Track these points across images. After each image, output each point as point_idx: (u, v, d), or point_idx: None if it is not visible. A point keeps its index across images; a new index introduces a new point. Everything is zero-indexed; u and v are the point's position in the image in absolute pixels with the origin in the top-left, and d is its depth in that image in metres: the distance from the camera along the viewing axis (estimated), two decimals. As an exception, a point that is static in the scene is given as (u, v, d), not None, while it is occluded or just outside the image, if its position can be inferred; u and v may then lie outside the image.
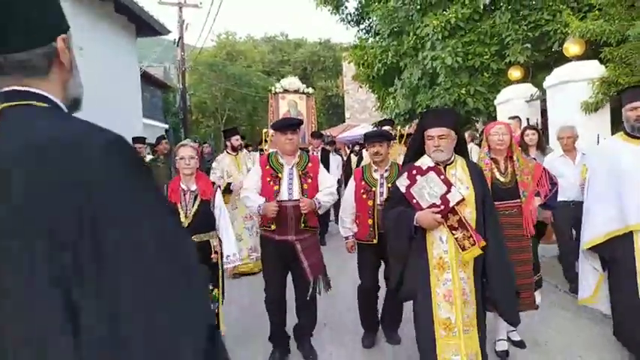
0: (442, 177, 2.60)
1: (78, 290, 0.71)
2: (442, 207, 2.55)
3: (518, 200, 3.30)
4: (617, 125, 5.76)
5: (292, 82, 8.45)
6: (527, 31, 6.94)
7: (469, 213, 2.61)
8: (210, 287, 3.24)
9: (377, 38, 10.16)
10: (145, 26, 8.48)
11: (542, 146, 5.03)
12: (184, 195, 3.30)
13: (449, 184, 2.58)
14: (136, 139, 6.73)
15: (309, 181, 3.46)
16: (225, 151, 6.16)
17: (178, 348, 0.74)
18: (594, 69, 5.41)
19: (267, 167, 3.48)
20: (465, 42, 7.64)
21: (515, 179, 3.31)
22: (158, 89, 20.47)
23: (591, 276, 3.32)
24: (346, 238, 3.80)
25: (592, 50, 5.64)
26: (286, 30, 70.17)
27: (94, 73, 7.42)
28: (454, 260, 2.60)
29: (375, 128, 6.50)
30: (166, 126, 19.25)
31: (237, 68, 26.68)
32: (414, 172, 2.67)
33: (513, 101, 7.05)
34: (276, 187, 3.39)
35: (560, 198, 4.38)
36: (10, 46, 0.88)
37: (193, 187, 3.32)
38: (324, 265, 3.60)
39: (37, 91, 0.91)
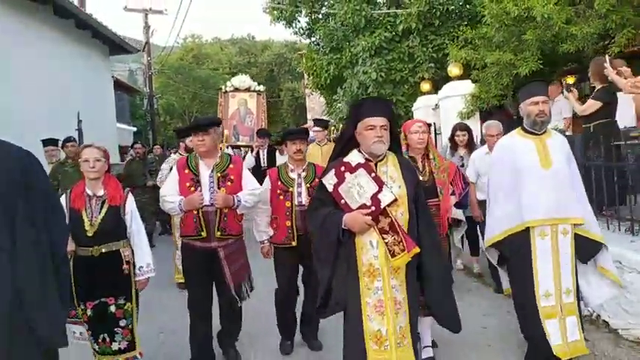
0: (373, 175, 2.49)
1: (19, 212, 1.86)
2: (373, 208, 2.43)
3: (437, 199, 3.35)
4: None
5: (243, 80, 8.69)
6: (432, 53, 8.97)
7: (401, 214, 2.50)
8: (122, 301, 3.14)
9: (321, 52, 12.00)
10: (117, 47, 10.31)
11: (472, 146, 5.37)
12: (90, 201, 3.10)
13: (380, 183, 2.46)
14: (48, 141, 6.52)
15: (229, 184, 3.37)
16: (177, 152, 6.03)
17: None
18: (467, 87, 7.43)
19: (187, 171, 3.40)
20: (388, 60, 9.59)
21: (433, 178, 3.37)
22: (125, 93, 21.86)
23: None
24: (262, 242, 3.66)
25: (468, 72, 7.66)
26: (253, 32, 71.35)
27: (74, 87, 9.10)
28: (385, 267, 2.45)
29: (317, 127, 6.96)
30: (134, 129, 20.66)
31: (204, 71, 28.19)
32: (343, 169, 2.53)
33: (423, 109, 9.05)
34: (193, 190, 3.33)
35: (484, 196, 4.20)
36: None
37: (100, 193, 3.14)
38: (249, 269, 3.59)
39: None
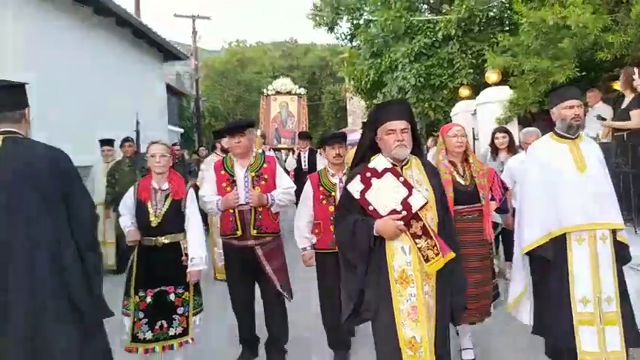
0: (401, 179, 2.47)
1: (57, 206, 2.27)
2: (404, 213, 2.41)
3: (479, 204, 3.32)
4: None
5: (284, 83, 8.97)
6: (472, 59, 9.16)
7: (431, 218, 2.49)
8: (181, 290, 3.34)
9: (361, 58, 12.37)
10: (170, 54, 11.20)
11: (513, 149, 5.31)
12: (155, 194, 3.34)
13: (410, 187, 2.44)
14: (104, 142, 6.91)
15: (263, 183, 3.47)
16: (214, 153, 6.43)
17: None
18: (505, 93, 7.61)
19: (223, 172, 3.52)
20: (427, 65, 9.84)
21: (474, 182, 3.36)
22: (173, 95, 22.88)
23: (517, 284, 3.38)
24: (304, 249, 3.64)
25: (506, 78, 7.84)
26: (296, 35, 72.48)
27: (132, 91, 9.89)
28: (418, 272, 2.43)
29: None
30: (181, 130, 21.67)
31: (248, 75, 29.13)
32: (368, 174, 2.51)
33: (462, 114, 9.24)
34: (229, 190, 3.45)
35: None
36: (6, 109, 2.29)
37: (165, 186, 3.36)
38: (288, 272, 3.64)
39: (17, 130, 2.32)
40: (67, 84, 7.54)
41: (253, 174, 3.49)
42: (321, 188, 3.60)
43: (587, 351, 2.98)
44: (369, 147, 2.67)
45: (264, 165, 3.56)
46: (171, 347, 3.33)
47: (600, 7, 6.15)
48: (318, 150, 7.79)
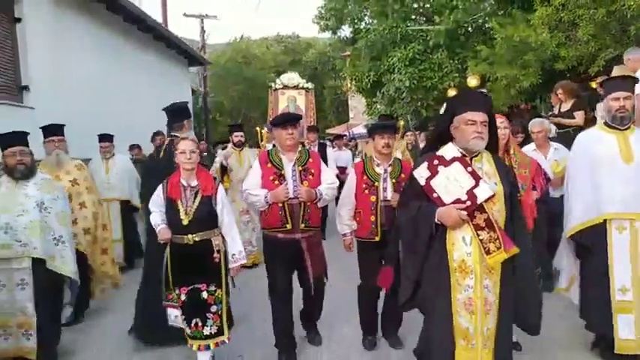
0: (469, 169, 2.47)
1: None
2: (468, 203, 2.42)
3: (517, 194, 3.31)
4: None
5: (292, 77, 8.89)
6: (458, 64, 10.78)
7: (497, 212, 2.48)
8: (213, 288, 3.31)
9: (362, 60, 13.94)
10: (195, 60, 13.00)
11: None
12: (185, 191, 3.29)
13: (477, 178, 2.45)
14: (103, 137, 6.63)
15: (310, 177, 3.51)
16: (230, 146, 6.85)
17: None
18: (482, 96, 9.19)
19: (269, 165, 3.52)
20: (420, 69, 11.45)
21: (513, 173, 3.34)
22: (182, 92, 24.32)
23: (570, 267, 3.51)
24: (344, 235, 3.74)
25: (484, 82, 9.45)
26: (298, 28, 73.97)
27: (164, 92, 11.60)
28: (478, 265, 2.44)
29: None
30: (189, 125, 23.12)
31: (252, 71, 30.58)
32: (436, 162, 2.52)
33: (449, 112, 10.84)
34: (277, 184, 3.46)
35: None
36: (172, 122, 4.14)
37: (194, 183, 3.32)
38: (326, 262, 3.75)
39: (179, 135, 3.80)
40: (111, 87, 9.30)
41: (300, 168, 3.56)
42: (364, 177, 3.65)
43: (624, 338, 3.10)
44: (440, 134, 2.70)
45: (310, 160, 3.64)
46: (207, 347, 3.34)
47: (558, 26, 7.73)
48: (332, 142, 8.66)
